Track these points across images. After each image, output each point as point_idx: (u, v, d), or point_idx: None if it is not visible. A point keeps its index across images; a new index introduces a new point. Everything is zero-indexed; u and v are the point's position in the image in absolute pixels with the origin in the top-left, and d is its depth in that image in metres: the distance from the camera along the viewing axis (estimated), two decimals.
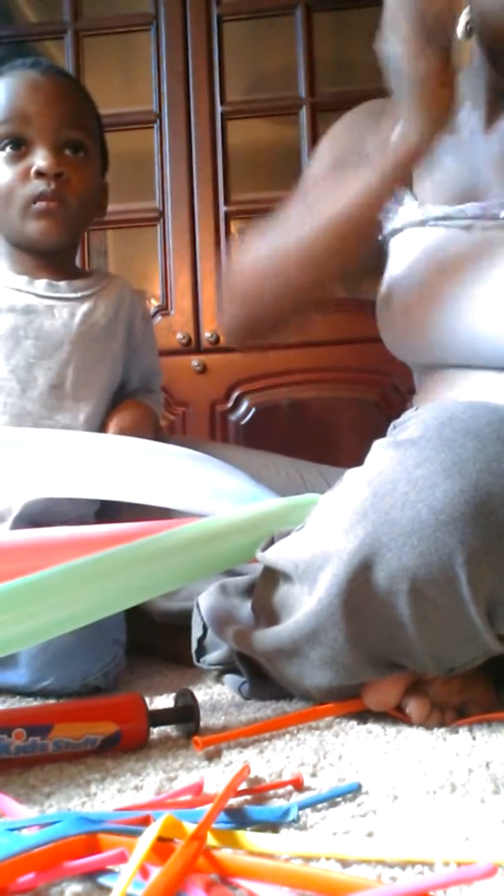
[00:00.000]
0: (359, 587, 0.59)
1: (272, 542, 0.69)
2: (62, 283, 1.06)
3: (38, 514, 0.93)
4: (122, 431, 1.03)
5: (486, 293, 0.84)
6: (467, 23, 0.85)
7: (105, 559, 0.65)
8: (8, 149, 1.02)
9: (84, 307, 1.06)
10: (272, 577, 0.68)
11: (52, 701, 0.80)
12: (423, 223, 0.91)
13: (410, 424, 0.67)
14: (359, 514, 0.60)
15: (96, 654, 0.82)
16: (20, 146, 1.02)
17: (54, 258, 1.08)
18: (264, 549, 0.69)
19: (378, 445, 0.65)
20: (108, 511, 0.99)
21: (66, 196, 1.03)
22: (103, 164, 1.14)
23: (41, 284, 1.05)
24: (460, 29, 0.85)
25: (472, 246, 0.86)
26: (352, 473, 0.65)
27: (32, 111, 1.02)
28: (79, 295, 1.07)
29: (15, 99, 1.02)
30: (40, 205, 1.02)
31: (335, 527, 0.61)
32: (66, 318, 1.04)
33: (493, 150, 0.89)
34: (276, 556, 0.67)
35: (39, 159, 1.01)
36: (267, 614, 0.69)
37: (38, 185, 1.01)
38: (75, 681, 0.81)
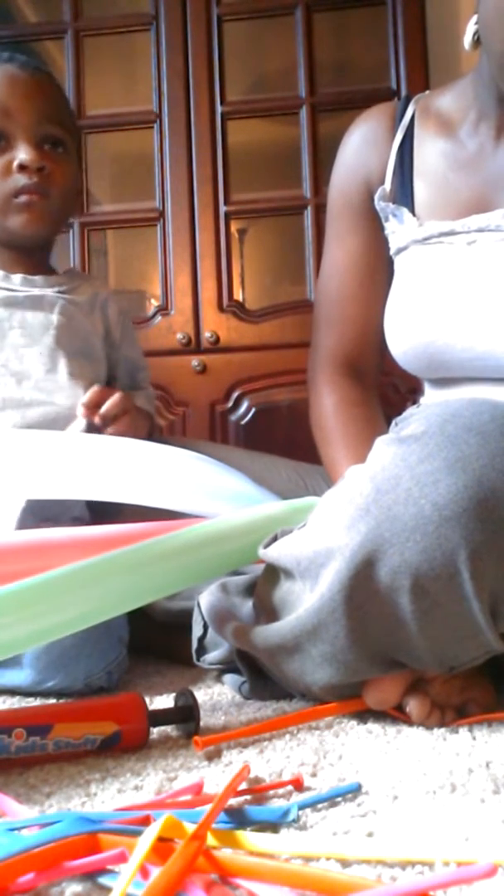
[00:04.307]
0: (361, 583, 0.59)
1: (275, 539, 0.69)
2: (37, 278, 1.08)
3: (40, 508, 0.93)
4: (116, 433, 1.03)
5: (487, 308, 0.84)
6: (474, 33, 0.85)
7: (110, 561, 0.65)
8: None
9: (61, 302, 1.07)
10: (274, 574, 0.68)
11: (52, 701, 0.80)
12: (425, 240, 0.91)
13: (413, 421, 0.67)
14: (361, 509, 0.60)
15: (100, 652, 0.82)
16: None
17: (31, 254, 1.09)
18: (266, 545, 0.69)
19: (381, 442, 0.65)
20: (109, 513, 0.99)
21: (49, 189, 1.03)
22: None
23: (17, 279, 1.07)
24: (468, 39, 0.86)
25: (473, 261, 0.87)
26: (355, 470, 0.65)
27: (13, 106, 1.02)
28: (55, 290, 1.08)
29: None
30: (23, 198, 1.02)
31: (338, 523, 0.61)
32: (46, 309, 1.06)
33: None
34: (278, 552, 0.67)
35: (21, 153, 1.01)
36: (268, 611, 0.69)
37: (20, 179, 1.01)
38: (79, 680, 0.81)
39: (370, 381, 1.03)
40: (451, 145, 0.93)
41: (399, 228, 0.94)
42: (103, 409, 1.00)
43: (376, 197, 0.97)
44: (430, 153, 0.94)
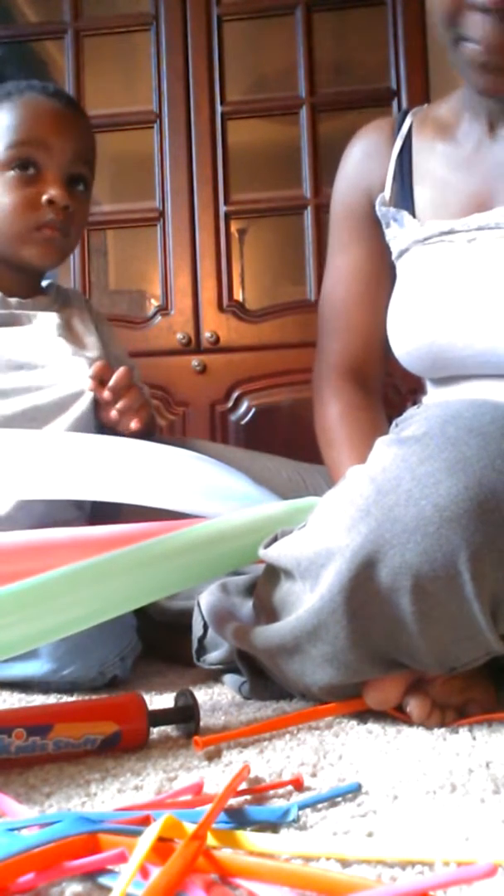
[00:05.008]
0: (361, 584, 0.59)
1: (275, 539, 0.69)
2: (28, 301, 1.11)
3: (22, 517, 0.93)
4: (125, 407, 1.04)
5: (487, 305, 0.84)
6: None
7: (110, 561, 0.65)
8: (17, 170, 1.03)
9: (53, 314, 1.11)
10: (274, 574, 0.68)
11: (64, 694, 0.80)
12: (426, 240, 0.91)
13: (414, 422, 0.67)
14: (362, 510, 0.60)
15: (114, 639, 0.83)
16: (27, 169, 1.04)
17: (32, 278, 1.13)
18: (267, 546, 0.69)
19: (381, 443, 0.65)
20: (109, 513, 0.99)
21: (69, 228, 1.07)
22: None
23: (13, 302, 1.09)
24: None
25: (473, 258, 0.87)
26: (355, 470, 0.65)
27: (52, 141, 1.04)
28: (46, 311, 1.11)
29: (37, 124, 1.05)
30: (45, 232, 1.04)
31: (338, 524, 0.61)
32: (42, 324, 1.09)
33: (502, 153, 0.89)
34: (278, 553, 0.67)
35: (52, 189, 1.03)
36: (268, 612, 0.69)
37: (46, 214, 1.04)
38: (94, 668, 0.81)
39: (374, 387, 1.04)
40: (449, 146, 0.93)
41: (400, 232, 0.95)
42: (112, 381, 1.01)
43: (377, 203, 0.97)
44: (428, 157, 0.95)
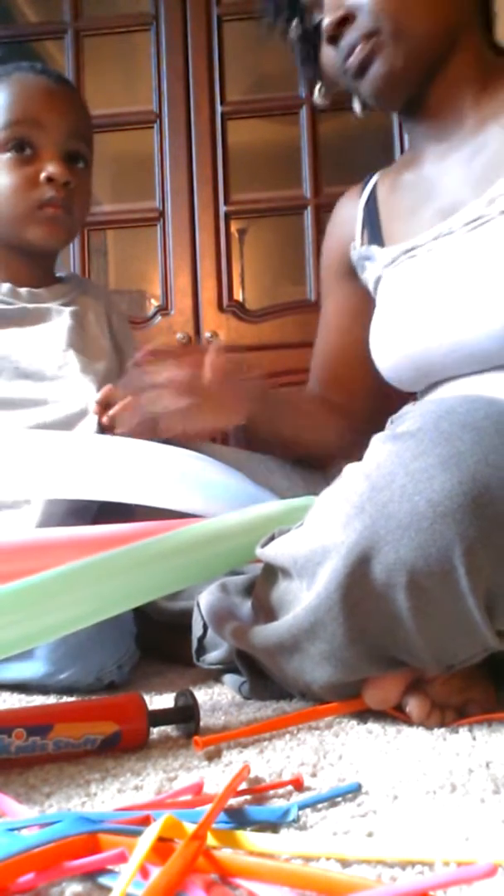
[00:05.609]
0: (357, 581, 0.59)
1: (272, 538, 0.69)
2: (41, 291, 1.09)
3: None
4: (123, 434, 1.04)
5: (452, 304, 0.86)
6: None
7: (109, 560, 0.65)
8: (13, 152, 1.02)
9: (68, 310, 1.09)
10: (272, 573, 0.68)
11: (58, 697, 0.80)
12: (393, 262, 0.96)
13: (408, 418, 0.67)
14: (357, 507, 0.60)
15: (113, 645, 0.83)
16: (23, 149, 1.03)
17: (39, 262, 1.11)
18: (264, 545, 0.69)
19: (376, 439, 0.65)
20: (119, 512, 0.99)
21: (71, 205, 1.05)
22: None
23: (24, 293, 1.08)
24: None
25: (433, 266, 0.91)
26: (351, 467, 0.65)
27: (46, 119, 1.03)
28: (59, 303, 1.10)
29: (29, 103, 1.04)
30: (47, 210, 1.03)
31: (333, 521, 0.61)
32: (54, 317, 1.08)
33: (449, 156, 0.94)
34: (275, 551, 0.67)
35: (50, 166, 1.02)
36: (266, 611, 0.69)
37: (47, 192, 1.03)
38: (91, 674, 0.81)
39: (356, 421, 1.09)
40: (414, 174, 0.99)
41: (372, 266, 1.00)
42: (112, 411, 1.01)
43: (350, 250, 1.04)
44: (394, 195, 1.01)
